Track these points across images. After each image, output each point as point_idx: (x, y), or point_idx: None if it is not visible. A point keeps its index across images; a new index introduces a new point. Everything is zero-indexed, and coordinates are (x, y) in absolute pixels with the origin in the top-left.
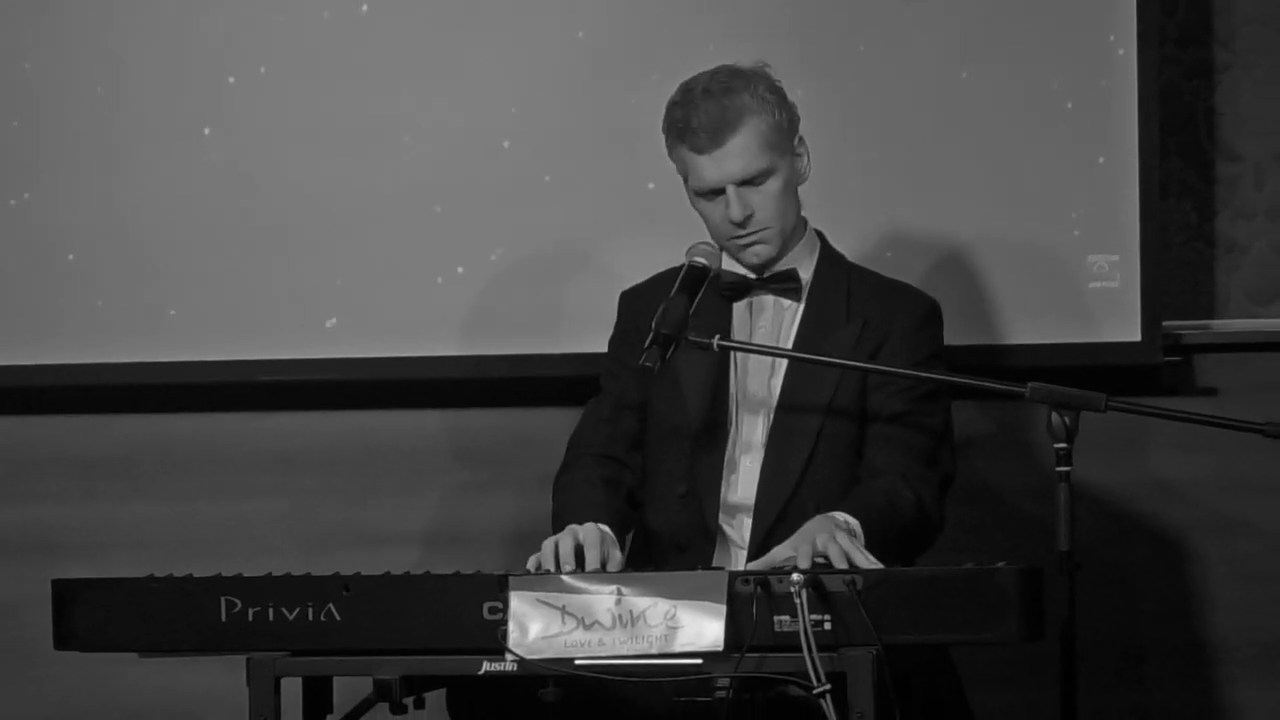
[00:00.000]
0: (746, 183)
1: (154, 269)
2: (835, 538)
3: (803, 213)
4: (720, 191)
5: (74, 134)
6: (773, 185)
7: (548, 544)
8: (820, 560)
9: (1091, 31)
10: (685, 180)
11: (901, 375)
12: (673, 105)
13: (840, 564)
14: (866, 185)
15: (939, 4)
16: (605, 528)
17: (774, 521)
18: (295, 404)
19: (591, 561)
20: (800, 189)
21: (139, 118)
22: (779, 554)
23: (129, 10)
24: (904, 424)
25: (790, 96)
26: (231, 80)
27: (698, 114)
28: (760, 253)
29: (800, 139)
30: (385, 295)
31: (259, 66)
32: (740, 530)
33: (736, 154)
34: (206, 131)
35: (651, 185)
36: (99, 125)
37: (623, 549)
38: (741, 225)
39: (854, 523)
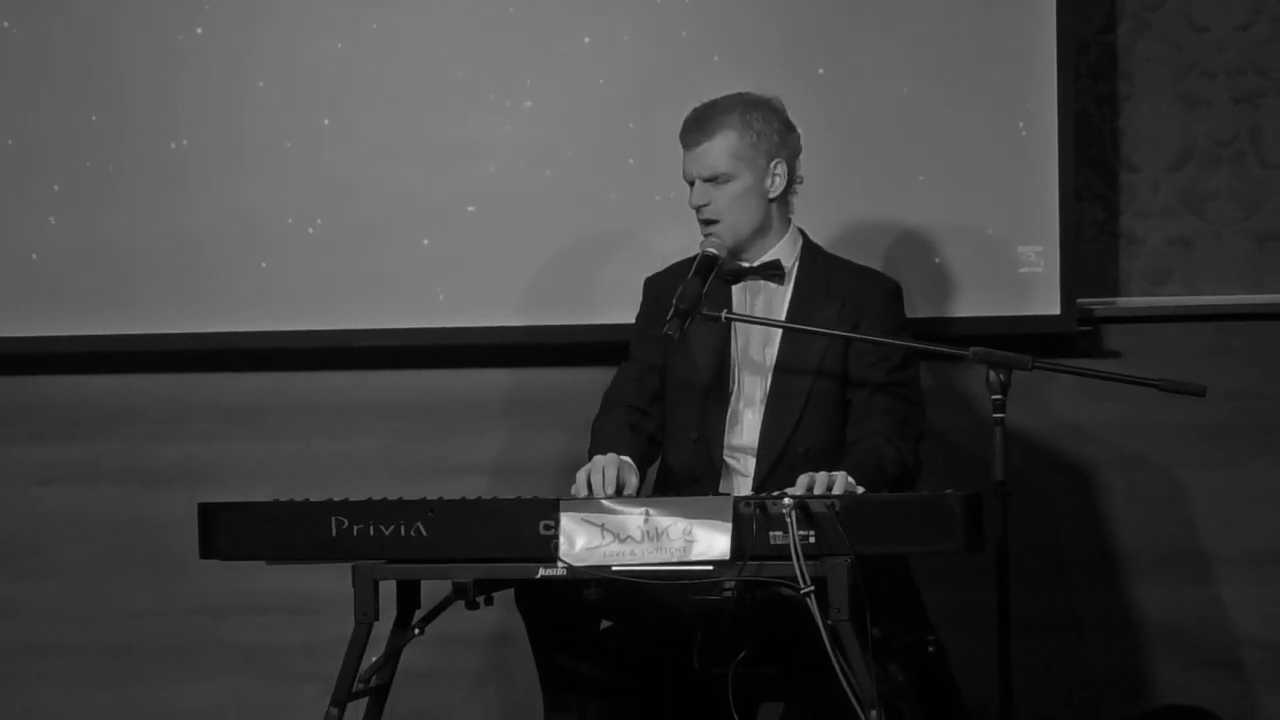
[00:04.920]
0: (708, 180)
1: (276, 256)
2: (830, 476)
3: (791, 215)
4: (693, 183)
5: (214, 149)
6: (730, 188)
7: (580, 474)
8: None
9: (1021, 67)
10: None
11: (874, 342)
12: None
13: (820, 490)
14: (845, 186)
15: (903, 41)
16: (625, 457)
17: (774, 461)
18: (391, 364)
19: (609, 480)
20: (791, 200)
21: (264, 135)
22: (803, 480)
23: (255, 52)
24: (886, 393)
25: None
26: (336, 105)
27: (692, 119)
28: (711, 243)
29: (781, 162)
30: (459, 277)
31: (359, 94)
32: (745, 466)
33: (703, 154)
34: (318, 146)
35: (657, 197)
36: (232, 142)
37: (644, 480)
38: (698, 212)
39: (852, 480)
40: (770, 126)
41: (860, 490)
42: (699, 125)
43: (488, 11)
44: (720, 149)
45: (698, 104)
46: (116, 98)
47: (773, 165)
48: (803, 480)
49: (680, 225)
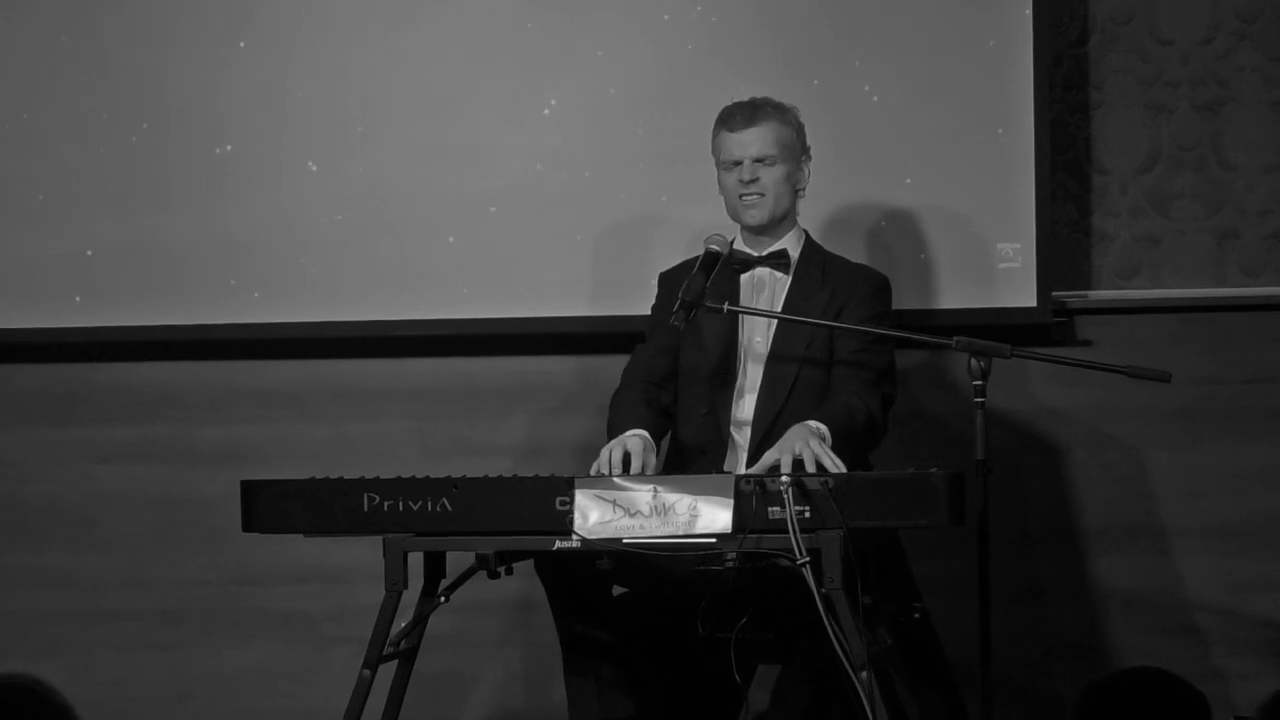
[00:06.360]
0: (758, 160)
1: (312, 252)
2: (809, 444)
3: (798, 218)
4: (739, 162)
5: (255, 154)
6: (777, 170)
7: (604, 451)
8: (797, 460)
9: (1000, 78)
10: (718, 161)
11: (861, 331)
12: (723, 109)
13: (811, 466)
14: (838, 188)
15: (890, 54)
16: (646, 435)
17: (765, 435)
18: (418, 352)
19: (635, 467)
20: (801, 198)
21: (301, 140)
22: (768, 458)
23: (294, 64)
24: (858, 360)
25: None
26: (368, 113)
27: (738, 108)
28: (755, 215)
29: (807, 159)
30: (481, 272)
31: (389, 103)
32: (745, 439)
33: (756, 139)
34: (352, 151)
35: (664, 198)
36: (272, 147)
37: (658, 451)
38: (747, 186)
39: (824, 428)
40: (800, 127)
41: (823, 427)
42: (748, 113)
43: (508, 27)
44: (770, 134)
45: (701, 113)
46: (165, 107)
47: (802, 160)
48: (788, 457)
49: (684, 223)
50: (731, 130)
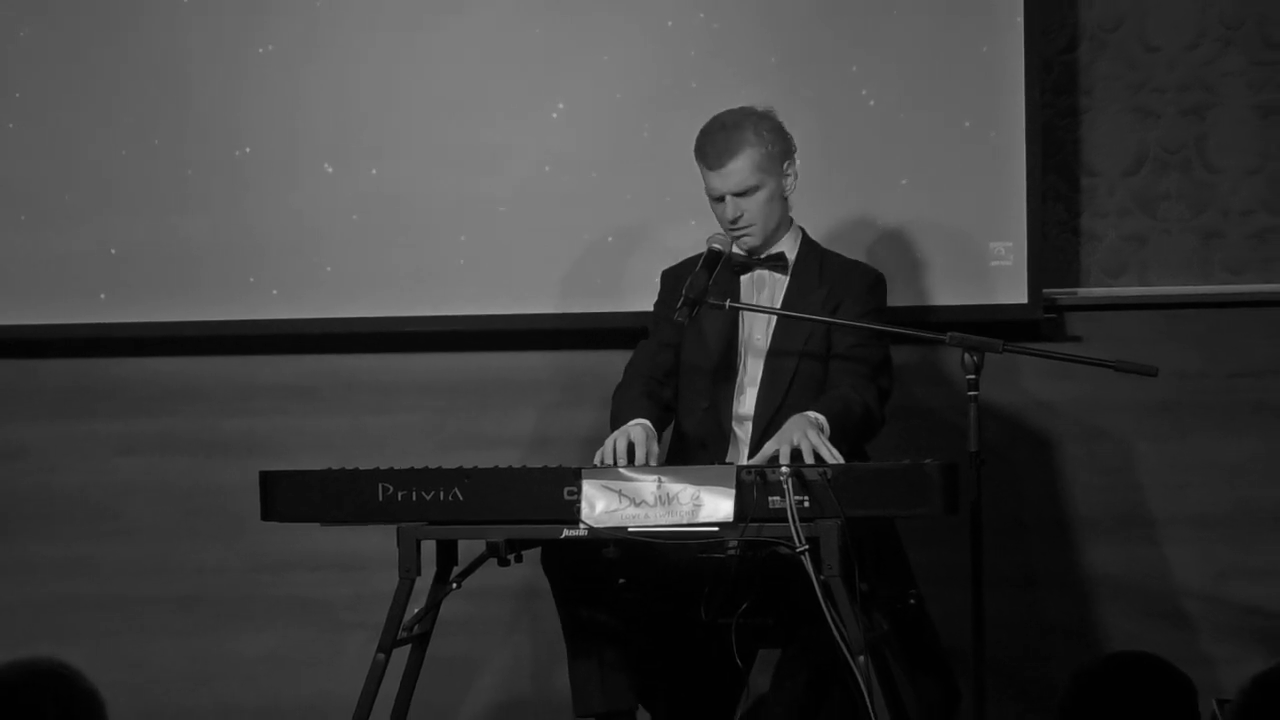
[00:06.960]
0: (739, 194)
1: (328, 251)
2: (808, 435)
3: (791, 213)
4: (722, 198)
5: (273, 156)
6: (760, 197)
7: (608, 441)
8: (795, 450)
9: (993, 83)
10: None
11: (858, 327)
12: (700, 134)
13: (809, 457)
14: (836, 189)
15: (886, 60)
16: (648, 424)
17: (765, 429)
18: (431, 347)
19: (639, 457)
20: (791, 196)
21: (317, 143)
22: (768, 448)
23: (311, 69)
24: (855, 355)
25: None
26: (382, 116)
27: (711, 141)
28: (746, 244)
29: (791, 163)
30: (491, 269)
31: (402, 106)
32: (746, 433)
33: (733, 173)
34: (366, 153)
35: (667, 198)
36: (289, 149)
37: (660, 443)
38: (734, 223)
39: (822, 418)
40: (777, 135)
41: (821, 417)
42: (720, 147)
43: (517, 33)
44: (745, 166)
45: (703, 117)
46: (187, 110)
47: (785, 168)
48: (787, 448)
49: (687, 222)
50: (709, 167)
